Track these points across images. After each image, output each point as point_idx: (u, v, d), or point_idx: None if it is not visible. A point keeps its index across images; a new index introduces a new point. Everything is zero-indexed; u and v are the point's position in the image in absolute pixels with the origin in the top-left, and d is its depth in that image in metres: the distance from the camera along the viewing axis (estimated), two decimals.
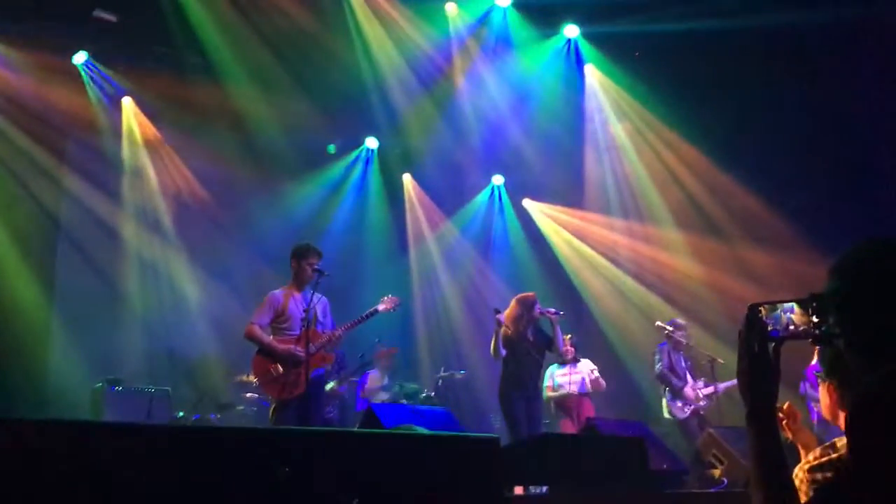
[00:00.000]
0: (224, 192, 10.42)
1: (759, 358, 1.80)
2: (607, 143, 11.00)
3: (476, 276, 11.68)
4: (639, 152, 10.76)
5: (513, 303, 7.32)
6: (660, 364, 8.31)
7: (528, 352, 7.08)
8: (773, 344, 1.80)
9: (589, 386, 8.25)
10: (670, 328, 8.43)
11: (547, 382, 8.17)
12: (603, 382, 8.35)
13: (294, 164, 10.67)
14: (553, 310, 7.30)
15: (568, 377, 8.24)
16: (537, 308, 7.21)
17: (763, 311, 1.81)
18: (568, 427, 8.00)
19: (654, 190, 10.76)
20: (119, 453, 2.13)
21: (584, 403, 8.19)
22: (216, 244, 10.23)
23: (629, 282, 11.00)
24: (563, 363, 8.26)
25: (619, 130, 10.81)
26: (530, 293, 7.43)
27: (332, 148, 11.25)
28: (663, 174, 10.59)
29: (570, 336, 8.33)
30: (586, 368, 8.34)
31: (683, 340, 8.43)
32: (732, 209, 9.87)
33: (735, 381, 7.44)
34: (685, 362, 8.55)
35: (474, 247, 11.85)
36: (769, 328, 1.80)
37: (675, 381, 8.26)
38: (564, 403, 8.21)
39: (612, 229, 11.29)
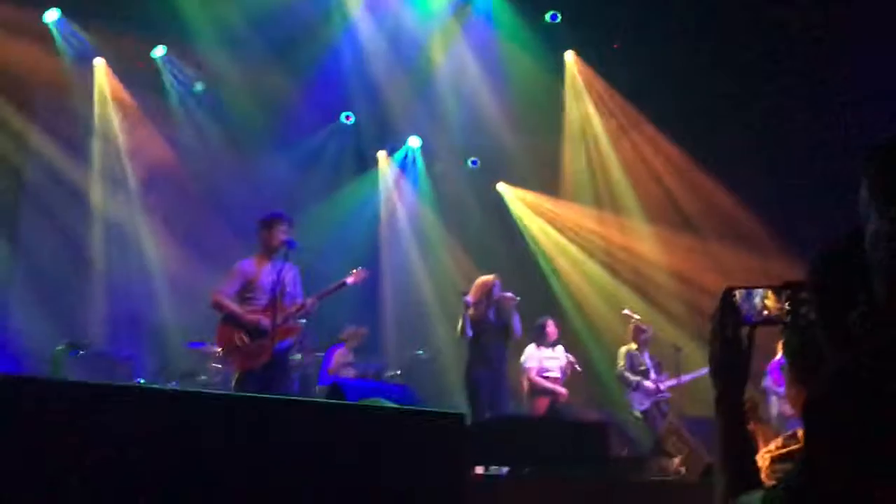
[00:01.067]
0: (195, 160, 10.27)
1: (732, 342, 1.77)
2: (584, 132, 11.01)
3: (447, 253, 11.69)
4: (616, 143, 10.79)
5: (474, 285, 7.44)
6: (620, 365, 8.50)
7: (490, 334, 7.21)
8: (747, 329, 1.78)
9: (567, 371, 8.27)
10: (641, 324, 8.57)
11: (532, 364, 8.11)
12: (578, 369, 8.37)
13: (268, 135, 10.55)
14: (510, 294, 7.36)
15: (557, 361, 8.22)
16: (496, 291, 7.27)
17: (737, 296, 1.79)
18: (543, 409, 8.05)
19: (629, 181, 10.85)
20: (76, 413, 2.07)
21: (561, 388, 8.23)
22: (185, 211, 10.11)
23: (599, 271, 11.09)
24: (544, 345, 8.23)
25: (596, 120, 10.80)
26: (490, 276, 7.56)
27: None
28: (639, 166, 10.67)
29: (544, 319, 8.36)
30: (562, 353, 8.37)
31: (646, 339, 8.59)
32: (707, 205, 9.98)
33: (699, 373, 7.62)
34: (650, 360, 8.66)
35: (446, 226, 11.84)
36: (743, 313, 1.78)
37: (630, 377, 8.43)
38: (546, 387, 8.17)
39: (586, 218, 11.36)
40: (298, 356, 8.27)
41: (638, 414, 8.42)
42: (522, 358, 8.19)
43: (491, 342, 7.19)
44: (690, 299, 9.75)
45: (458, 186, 11.71)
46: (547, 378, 8.14)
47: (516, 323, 7.39)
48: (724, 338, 1.77)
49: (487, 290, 7.30)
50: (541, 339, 8.22)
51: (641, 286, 10.59)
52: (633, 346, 8.63)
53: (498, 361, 7.28)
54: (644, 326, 8.71)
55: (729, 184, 9.66)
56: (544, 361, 8.21)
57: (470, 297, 7.24)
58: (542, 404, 8.03)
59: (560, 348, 8.37)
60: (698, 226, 10.20)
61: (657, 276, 10.61)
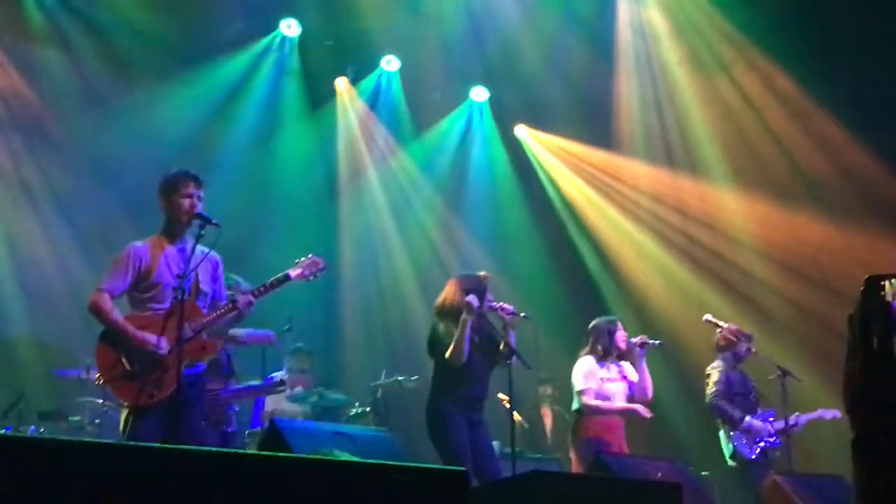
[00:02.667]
0: (62, 97, 10.24)
1: (880, 357, 1.76)
2: (650, 59, 11.06)
3: (440, 235, 11.70)
4: (700, 76, 10.78)
5: (450, 284, 7.54)
6: (713, 390, 8.44)
7: (472, 354, 7.26)
8: None
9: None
10: (730, 335, 8.55)
11: (588, 384, 8.07)
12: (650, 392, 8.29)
13: (169, 55, 10.53)
14: (510, 307, 7.42)
15: (619, 383, 8.14)
16: (487, 299, 7.36)
17: (888, 288, 1.77)
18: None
19: (716, 132, 10.93)
20: None
21: (621, 426, 8.11)
22: (49, 175, 10.11)
23: (667, 257, 11.21)
24: (603, 359, 8.19)
25: (667, 40, 10.83)
26: (479, 274, 7.62)
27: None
28: (737, 112, 10.70)
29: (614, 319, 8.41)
30: (629, 370, 8.24)
31: (747, 354, 8.58)
32: (837, 168, 10.06)
33: (822, 414, 7.71)
34: (749, 383, 8.68)
35: (439, 192, 11.87)
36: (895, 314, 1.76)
37: (731, 411, 8.38)
38: (603, 423, 8.07)
39: (651, 182, 11.45)
40: (281, 373, 8.54)
41: (736, 463, 8.37)
42: (577, 376, 8.16)
43: (470, 366, 7.25)
44: (806, 301, 9.75)
45: (455, 127, 11.75)
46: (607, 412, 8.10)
47: (513, 344, 7.44)
48: (867, 351, 1.75)
49: (479, 293, 7.31)
50: (604, 350, 8.17)
51: (731, 280, 10.59)
52: (721, 364, 8.59)
53: (478, 395, 7.36)
54: (742, 335, 8.66)
55: (870, 141, 9.65)
56: (605, 384, 8.15)
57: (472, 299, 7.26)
58: (588, 449, 8.01)
59: (628, 366, 8.33)
60: (821, 197, 10.20)
61: (754, 265, 10.63)
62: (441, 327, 7.33)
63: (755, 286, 10.57)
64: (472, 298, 7.23)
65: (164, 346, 5.87)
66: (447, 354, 7.19)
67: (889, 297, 1.79)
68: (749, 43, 10.30)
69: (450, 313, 7.31)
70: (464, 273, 7.87)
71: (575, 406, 8.17)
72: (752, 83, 10.57)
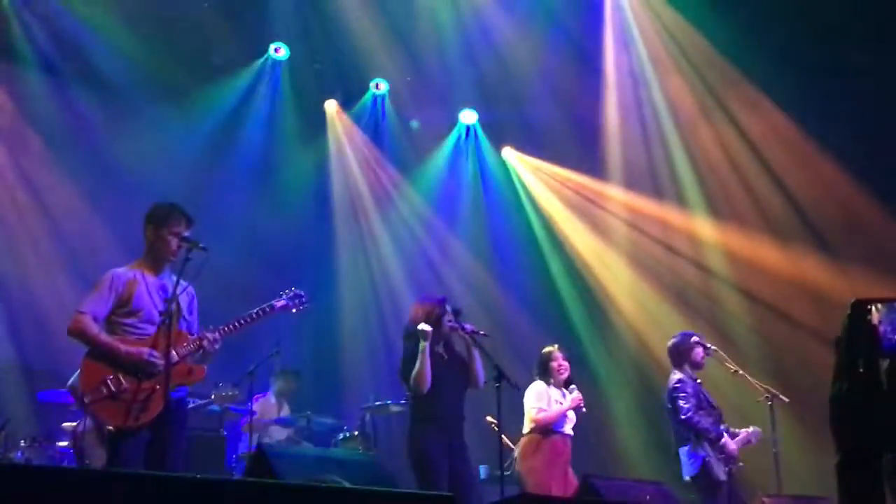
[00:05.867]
0: (49, 117, 10.26)
1: (865, 379, 1.76)
2: (637, 82, 11.11)
3: (437, 257, 11.77)
4: (691, 112, 10.84)
5: (412, 309, 7.60)
6: (686, 404, 8.28)
7: (444, 377, 7.29)
8: (888, 361, 1.77)
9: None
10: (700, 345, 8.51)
11: (542, 406, 8.22)
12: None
13: (160, 82, 10.55)
14: (470, 326, 7.45)
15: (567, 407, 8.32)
16: (447, 320, 7.38)
17: (874, 313, 1.77)
18: (550, 479, 8.05)
19: (705, 164, 10.98)
20: None
21: (569, 448, 8.29)
22: (33, 194, 10.10)
23: (649, 288, 11.26)
24: (558, 385, 8.34)
25: (651, 67, 10.92)
26: (436, 298, 7.65)
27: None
28: (727, 142, 10.76)
29: (554, 349, 8.46)
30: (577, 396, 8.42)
31: (703, 359, 8.49)
32: (826, 199, 10.09)
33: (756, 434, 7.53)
34: (709, 396, 8.55)
35: (434, 212, 11.93)
36: (882, 337, 1.77)
37: (709, 426, 8.23)
38: (555, 443, 8.20)
39: (637, 213, 11.47)
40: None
41: (701, 481, 8.23)
42: (529, 397, 8.27)
43: (443, 389, 7.24)
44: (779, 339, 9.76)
45: (444, 151, 11.80)
46: (567, 435, 8.25)
47: (479, 367, 7.46)
48: (854, 374, 1.76)
49: (435, 317, 7.36)
50: (546, 376, 8.34)
51: (714, 314, 10.65)
52: (685, 376, 8.50)
53: (453, 419, 7.34)
54: (705, 343, 8.63)
55: (860, 173, 9.69)
56: (553, 405, 8.29)
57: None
58: (551, 476, 8.08)
59: (575, 393, 8.45)
60: (817, 229, 10.22)
61: (731, 302, 10.67)
62: (407, 352, 7.33)
63: (733, 323, 10.58)
64: (424, 326, 7.24)
65: (158, 357, 5.87)
66: (410, 382, 7.22)
67: (875, 321, 1.80)
68: (742, 76, 10.32)
69: (412, 336, 7.32)
70: (424, 296, 7.90)
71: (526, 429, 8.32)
72: (739, 111, 10.61)
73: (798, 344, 9.66)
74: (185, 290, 6.19)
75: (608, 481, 7.33)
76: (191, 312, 6.28)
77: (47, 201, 10.14)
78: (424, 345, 7.14)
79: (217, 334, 6.16)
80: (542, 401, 8.23)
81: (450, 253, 11.84)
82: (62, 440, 8.38)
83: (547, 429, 8.25)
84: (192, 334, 6.18)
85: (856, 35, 9.35)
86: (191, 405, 7.76)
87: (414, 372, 7.15)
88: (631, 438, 10.79)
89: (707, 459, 8.12)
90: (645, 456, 10.31)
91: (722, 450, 8.18)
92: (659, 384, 9.57)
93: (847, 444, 1.74)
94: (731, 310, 10.75)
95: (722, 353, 8.58)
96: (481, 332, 7.43)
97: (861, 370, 1.75)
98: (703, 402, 8.30)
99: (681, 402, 8.21)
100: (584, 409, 8.33)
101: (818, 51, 9.51)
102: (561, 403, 8.27)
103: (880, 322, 1.75)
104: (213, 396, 8.65)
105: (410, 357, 7.22)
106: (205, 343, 6.10)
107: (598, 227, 11.65)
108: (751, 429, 8.36)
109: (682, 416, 8.14)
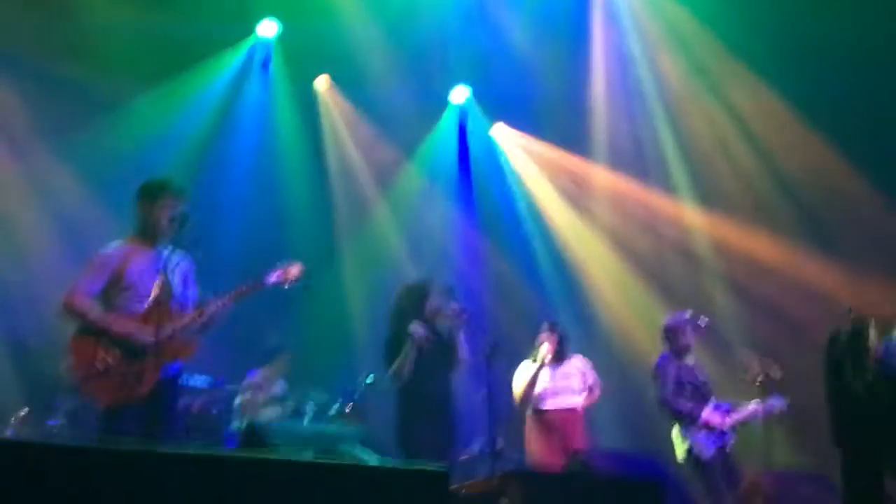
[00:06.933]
0: (43, 92, 10.18)
1: (858, 374, 1.77)
2: (624, 59, 11.13)
3: (441, 234, 11.92)
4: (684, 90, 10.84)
5: (397, 292, 7.78)
6: (663, 389, 8.27)
7: (426, 361, 7.37)
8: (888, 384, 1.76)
9: (581, 397, 8.37)
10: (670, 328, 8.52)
11: (515, 384, 8.40)
12: (598, 391, 8.58)
13: (147, 60, 10.43)
14: (454, 305, 7.56)
15: (552, 383, 8.42)
16: (429, 304, 7.54)
17: (871, 331, 1.77)
18: (547, 456, 8.13)
19: (700, 149, 11.00)
20: None
21: (571, 423, 8.34)
22: (26, 169, 10.11)
23: (630, 273, 11.35)
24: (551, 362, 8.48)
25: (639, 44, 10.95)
26: (420, 282, 7.83)
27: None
28: (717, 126, 10.77)
29: (548, 326, 8.58)
30: (575, 369, 8.47)
31: (691, 340, 8.46)
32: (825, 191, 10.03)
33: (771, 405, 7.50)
34: (700, 374, 8.49)
35: (438, 188, 12.06)
36: (880, 357, 1.76)
37: (685, 407, 8.17)
38: (543, 420, 8.27)
39: (624, 195, 11.55)
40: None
41: (691, 461, 8.20)
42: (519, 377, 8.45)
43: (426, 373, 7.32)
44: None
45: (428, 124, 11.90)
46: (555, 411, 8.35)
47: (462, 347, 7.52)
48: (848, 369, 1.76)
49: (415, 301, 7.52)
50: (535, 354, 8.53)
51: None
52: (668, 359, 8.48)
53: (438, 401, 7.40)
54: (683, 322, 8.58)
55: (857, 158, 9.69)
56: (539, 383, 8.44)
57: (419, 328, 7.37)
58: (543, 451, 8.18)
59: (573, 362, 8.58)
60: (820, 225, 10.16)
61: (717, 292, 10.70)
62: (391, 335, 7.50)
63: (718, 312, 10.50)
64: (417, 327, 7.30)
65: (149, 335, 5.87)
66: (390, 371, 7.37)
67: (870, 340, 1.82)
68: (735, 58, 10.30)
69: (397, 320, 7.50)
70: (410, 281, 8.02)
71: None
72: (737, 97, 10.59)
73: (789, 336, 9.56)
74: (178, 264, 6.19)
75: (598, 454, 7.41)
76: (187, 286, 6.29)
77: (42, 182, 10.13)
78: (410, 346, 7.27)
79: (213, 307, 6.16)
80: (517, 380, 8.44)
81: (452, 228, 11.97)
82: (54, 419, 8.41)
83: (537, 408, 8.36)
84: (187, 308, 6.19)
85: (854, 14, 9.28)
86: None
87: (394, 367, 7.31)
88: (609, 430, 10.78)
89: (690, 440, 8.14)
90: (622, 440, 10.33)
91: (707, 427, 8.15)
92: (638, 368, 9.70)
93: (843, 431, 1.77)
94: (718, 300, 10.76)
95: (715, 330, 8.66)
96: (464, 313, 7.52)
97: (854, 365, 1.77)
98: (685, 383, 8.28)
99: (658, 385, 8.29)
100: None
101: (814, 29, 9.40)
102: (547, 381, 8.42)
103: (876, 345, 1.77)
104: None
105: (395, 340, 7.36)
106: (207, 313, 6.11)
107: (581, 206, 11.76)
108: (757, 403, 8.06)
109: (660, 400, 8.23)
